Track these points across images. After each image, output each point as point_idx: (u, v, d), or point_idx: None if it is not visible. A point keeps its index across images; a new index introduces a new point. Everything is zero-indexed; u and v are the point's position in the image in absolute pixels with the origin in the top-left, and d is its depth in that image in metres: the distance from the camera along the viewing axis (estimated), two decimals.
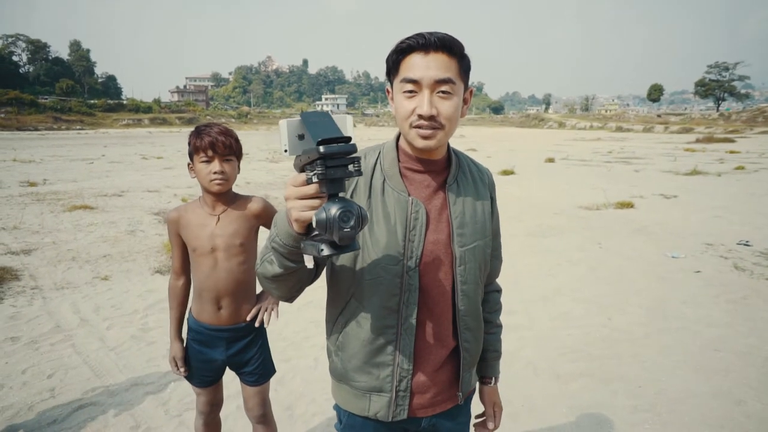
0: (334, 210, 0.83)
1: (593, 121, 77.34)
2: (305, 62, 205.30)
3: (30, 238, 6.95)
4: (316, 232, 0.90)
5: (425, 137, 1.10)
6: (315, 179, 0.85)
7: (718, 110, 79.86)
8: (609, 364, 3.49)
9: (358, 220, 0.85)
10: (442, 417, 1.29)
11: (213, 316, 1.91)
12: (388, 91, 1.19)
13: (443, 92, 1.08)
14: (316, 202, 0.87)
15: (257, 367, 2.01)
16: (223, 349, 1.95)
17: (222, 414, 2.24)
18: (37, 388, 3.15)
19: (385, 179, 1.18)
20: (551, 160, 19.54)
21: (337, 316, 1.23)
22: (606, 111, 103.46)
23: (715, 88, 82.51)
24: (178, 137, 44.10)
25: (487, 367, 1.44)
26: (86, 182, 13.11)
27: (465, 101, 1.17)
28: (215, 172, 1.79)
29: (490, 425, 1.44)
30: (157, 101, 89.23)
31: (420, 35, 1.07)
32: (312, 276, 1.16)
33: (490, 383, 1.45)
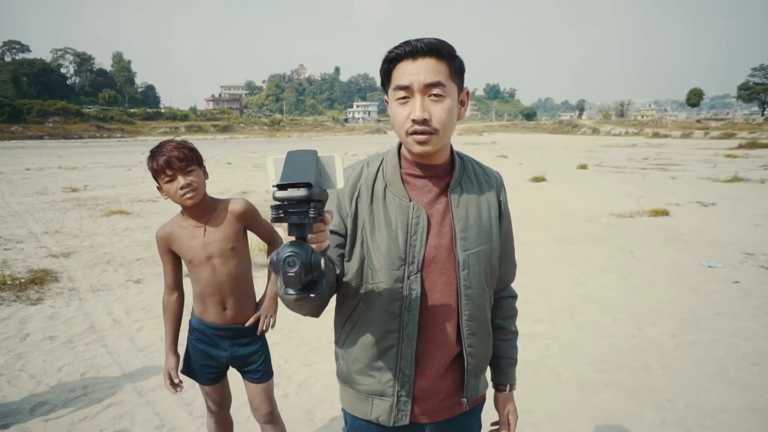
0: (282, 253, 0.85)
1: (629, 126, 75.38)
2: (337, 70, 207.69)
3: (70, 242, 7.26)
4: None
5: (421, 143, 1.11)
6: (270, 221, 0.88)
7: (763, 114, 76.67)
8: (637, 375, 3.38)
9: (305, 267, 0.85)
10: (446, 424, 1.28)
11: (218, 315, 1.96)
12: (386, 101, 1.20)
13: (435, 95, 1.08)
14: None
15: (261, 364, 2.06)
16: (227, 347, 2.01)
17: (238, 419, 2.28)
18: (71, 385, 3.28)
19: (386, 185, 1.19)
20: (584, 167, 19.13)
21: (345, 321, 1.24)
22: (642, 116, 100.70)
23: (760, 91, 79.38)
24: (213, 144, 45.22)
25: (501, 374, 1.42)
26: (123, 188, 13.59)
27: (462, 103, 1.17)
28: (182, 188, 1.80)
29: None
30: (193, 109, 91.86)
31: (407, 43, 1.08)
32: (333, 290, 1.18)
33: (505, 391, 1.42)
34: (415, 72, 1.07)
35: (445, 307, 1.21)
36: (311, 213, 0.85)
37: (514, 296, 1.45)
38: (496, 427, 1.44)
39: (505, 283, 1.40)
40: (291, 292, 0.90)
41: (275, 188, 0.85)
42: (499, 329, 1.39)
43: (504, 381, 1.42)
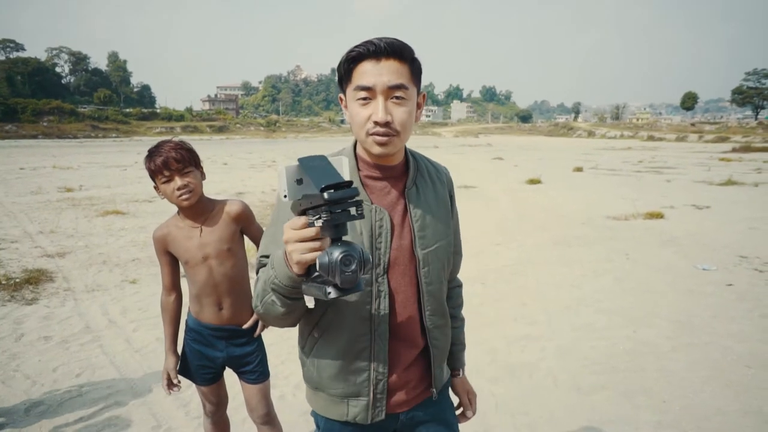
0: (336, 253, 0.86)
1: (624, 130, 75.82)
2: (333, 71, 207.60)
3: (65, 242, 7.22)
4: (317, 273, 0.91)
5: (381, 144, 1.11)
6: (319, 224, 0.87)
7: (756, 118, 77.25)
8: (632, 377, 3.40)
9: (360, 264, 0.87)
10: (418, 409, 1.31)
11: (215, 316, 1.96)
12: (341, 99, 1.19)
13: (397, 98, 1.09)
14: (317, 244, 0.89)
15: (257, 365, 2.06)
16: (223, 347, 2.01)
17: (234, 420, 2.28)
18: (66, 386, 3.26)
19: None
20: (579, 170, 19.21)
21: (312, 328, 1.23)
22: (637, 120, 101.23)
23: (753, 95, 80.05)
24: (209, 144, 45.08)
25: (454, 359, 1.48)
26: (119, 188, 13.53)
27: (418, 105, 1.18)
28: (179, 188, 1.81)
29: (469, 413, 1.47)
30: (189, 110, 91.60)
31: (370, 42, 1.07)
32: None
33: (459, 374, 1.49)
34: (378, 73, 1.07)
35: (410, 306, 1.23)
36: (358, 211, 0.87)
37: (461, 285, 1.52)
38: (460, 410, 1.48)
39: (453, 273, 1.44)
40: (334, 294, 0.90)
41: (322, 192, 0.85)
42: (450, 318, 1.42)
43: (457, 366, 1.49)
